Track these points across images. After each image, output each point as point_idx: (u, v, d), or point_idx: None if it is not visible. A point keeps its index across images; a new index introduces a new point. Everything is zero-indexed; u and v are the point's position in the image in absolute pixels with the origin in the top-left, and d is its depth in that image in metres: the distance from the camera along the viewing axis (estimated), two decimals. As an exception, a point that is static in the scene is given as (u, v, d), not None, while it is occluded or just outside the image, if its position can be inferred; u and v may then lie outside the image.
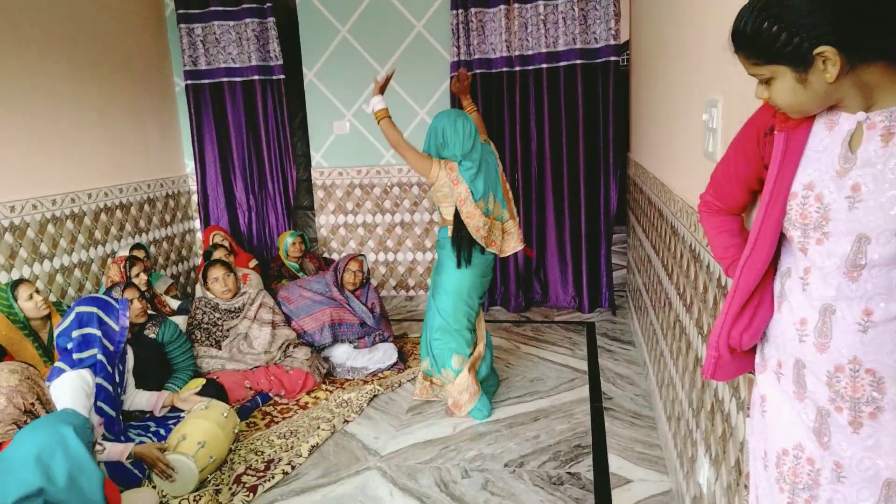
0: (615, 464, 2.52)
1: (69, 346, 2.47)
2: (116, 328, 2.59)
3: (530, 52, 4.22)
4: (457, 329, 2.97)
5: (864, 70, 0.88)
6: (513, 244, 3.00)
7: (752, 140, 1.14)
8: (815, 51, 0.86)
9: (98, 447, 2.23)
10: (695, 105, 1.97)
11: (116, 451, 2.35)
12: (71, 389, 2.36)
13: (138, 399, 2.82)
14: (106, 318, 2.57)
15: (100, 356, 2.50)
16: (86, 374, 2.43)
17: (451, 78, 3.11)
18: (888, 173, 0.88)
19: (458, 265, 2.89)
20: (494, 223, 2.91)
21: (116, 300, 2.67)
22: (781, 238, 1.06)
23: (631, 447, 2.64)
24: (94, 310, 2.56)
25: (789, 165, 1.01)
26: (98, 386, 2.46)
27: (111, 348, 2.56)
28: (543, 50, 4.19)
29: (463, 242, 2.86)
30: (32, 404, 1.83)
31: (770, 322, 1.11)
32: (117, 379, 2.60)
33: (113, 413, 2.52)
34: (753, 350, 1.17)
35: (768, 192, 1.04)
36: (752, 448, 1.17)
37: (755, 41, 0.92)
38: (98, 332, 2.52)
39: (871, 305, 0.92)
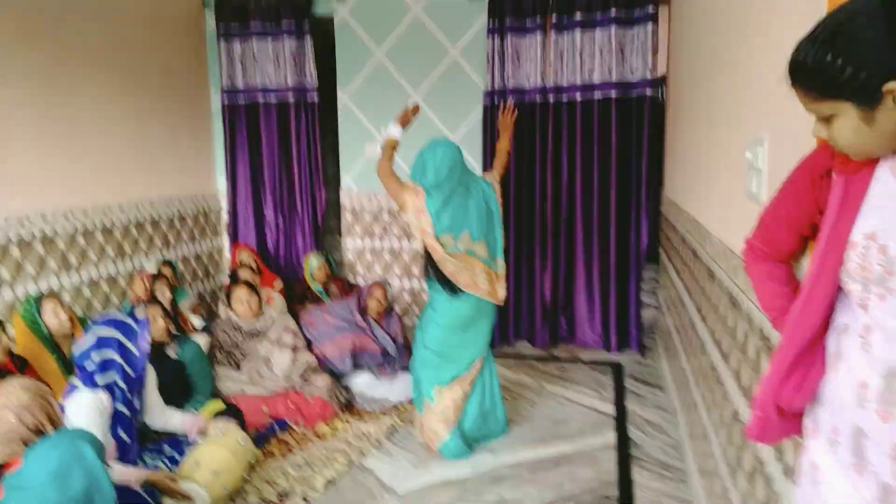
0: (643, 518, 2.39)
1: (89, 366, 2.43)
2: (137, 353, 2.54)
3: (565, 83, 4.17)
4: (441, 360, 2.88)
5: None
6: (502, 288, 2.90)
7: (805, 182, 1.05)
8: (886, 87, 0.78)
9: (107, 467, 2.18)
10: (738, 142, 1.89)
11: (127, 473, 2.29)
12: (87, 409, 2.32)
13: (173, 420, 2.74)
14: (126, 343, 2.52)
15: (120, 383, 2.44)
16: (102, 395, 2.38)
17: (498, 110, 3.02)
18: None
19: (446, 290, 2.81)
20: (472, 262, 2.80)
21: (137, 321, 2.63)
22: (837, 290, 0.97)
23: (660, 501, 2.49)
24: (115, 334, 2.50)
25: (848, 212, 0.93)
26: (117, 412, 2.41)
27: (132, 374, 2.51)
28: (578, 81, 4.14)
29: (437, 273, 2.79)
30: (42, 423, 1.79)
31: (823, 382, 1.01)
32: (136, 404, 2.55)
33: (129, 440, 2.45)
34: (802, 410, 1.07)
35: (824, 241, 0.96)
36: (802, 523, 1.06)
37: (817, 75, 0.84)
38: (118, 358, 2.46)
39: (943, 374, 0.82)
